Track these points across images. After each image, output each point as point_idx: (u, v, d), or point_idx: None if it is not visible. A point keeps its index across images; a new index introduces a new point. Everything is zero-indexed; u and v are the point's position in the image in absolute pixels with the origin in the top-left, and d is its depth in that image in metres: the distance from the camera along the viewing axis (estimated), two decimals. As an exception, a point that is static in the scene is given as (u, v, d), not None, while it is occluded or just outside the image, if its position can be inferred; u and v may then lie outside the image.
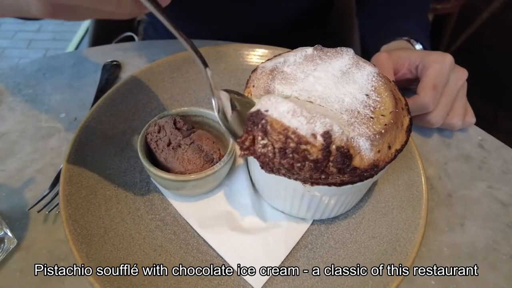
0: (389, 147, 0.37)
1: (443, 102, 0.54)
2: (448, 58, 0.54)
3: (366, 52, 1.07)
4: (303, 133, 0.35)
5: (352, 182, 0.38)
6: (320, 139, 0.35)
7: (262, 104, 0.37)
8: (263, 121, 0.36)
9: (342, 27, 1.10)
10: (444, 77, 0.53)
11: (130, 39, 0.96)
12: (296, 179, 0.38)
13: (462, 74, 0.56)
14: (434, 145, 0.59)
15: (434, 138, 0.60)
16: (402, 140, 0.38)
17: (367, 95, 0.37)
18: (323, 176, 0.37)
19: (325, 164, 0.35)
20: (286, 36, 0.89)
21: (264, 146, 0.36)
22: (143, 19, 1.05)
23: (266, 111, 0.36)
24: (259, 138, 0.36)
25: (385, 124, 0.36)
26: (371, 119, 0.36)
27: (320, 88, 0.37)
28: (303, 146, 0.35)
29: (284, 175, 0.38)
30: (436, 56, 0.55)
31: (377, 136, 0.36)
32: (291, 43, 0.68)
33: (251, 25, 0.82)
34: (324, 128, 0.35)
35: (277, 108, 0.36)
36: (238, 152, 0.45)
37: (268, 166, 0.37)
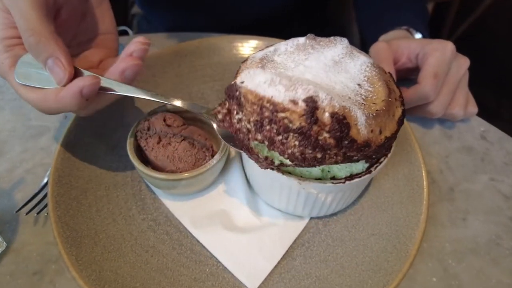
0: (380, 132, 0.35)
1: (444, 92, 0.53)
2: (449, 46, 0.52)
3: (365, 42, 1.05)
4: (279, 100, 0.32)
5: (349, 159, 0.35)
6: (302, 104, 0.32)
7: (240, 76, 0.35)
8: (237, 93, 0.34)
9: (340, 17, 1.08)
10: (445, 66, 0.52)
11: (124, 33, 0.95)
12: (295, 165, 0.35)
13: (463, 63, 0.54)
14: (435, 137, 0.58)
15: (435, 130, 0.58)
16: (392, 129, 0.36)
17: (359, 84, 0.35)
18: (318, 155, 0.33)
19: (317, 133, 0.32)
20: (283, 26, 0.87)
21: (239, 121, 0.34)
22: (137, 12, 1.02)
23: (242, 82, 0.34)
24: (234, 112, 0.34)
25: (377, 110, 0.34)
26: (363, 104, 0.34)
27: (310, 77, 0.35)
28: (281, 114, 0.32)
29: (277, 168, 0.36)
30: (436, 44, 0.53)
31: (370, 115, 0.34)
32: (288, 34, 0.65)
33: (246, 15, 0.80)
34: (306, 94, 0.32)
35: (254, 78, 0.34)
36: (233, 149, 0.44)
37: (246, 146, 0.35)
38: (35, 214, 0.46)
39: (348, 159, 0.35)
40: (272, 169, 0.38)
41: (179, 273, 0.41)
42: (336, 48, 0.38)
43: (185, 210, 0.46)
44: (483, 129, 0.59)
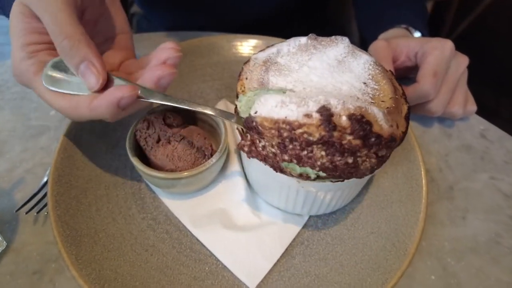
0: (397, 127, 0.36)
1: (443, 90, 0.52)
2: (449, 44, 0.52)
3: (365, 42, 1.05)
4: (294, 118, 0.33)
5: (382, 159, 0.35)
6: (316, 115, 0.32)
7: (254, 107, 0.36)
8: (254, 123, 0.35)
9: (340, 16, 1.08)
10: (444, 64, 0.52)
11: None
12: (331, 175, 0.35)
13: (462, 61, 0.54)
14: (435, 135, 0.58)
15: (434, 129, 0.59)
16: (402, 126, 0.36)
17: (364, 83, 0.35)
18: (349, 160, 0.33)
19: (339, 138, 0.32)
20: (283, 26, 0.87)
21: (264, 147, 0.35)
22: (137, 12, 1.02)
23: (255, 112, 0.35)
24: (257, 141, 0.35)
25: (387, 107, 0.35)
26: (372, 103, 0.34)
27: (315, 78, 0.36)
28: (299, 131, 0.33)
29: (321, 177, 0.36)
30: (436, 43, 0.53)
31: (385, 111, 0.34)
32: (288, 33, 0.65)
33: (246, 15, 0.80)
34: (318, 105, 0.32)
35: (265, 105, 0.34)
36: (233, 146, 0.44)
37: (278, 167, 0.36)
38: (35, 214, 0.46)
39: (381, 160, 0.35)
40: (311, 179, 0.37)
41: (179, 272, 0.41)
42: (338, 48, 0.39)
43: (184, 209, 0.46)
44: (483, 127, 0.59)
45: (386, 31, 0.65)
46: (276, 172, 0.36)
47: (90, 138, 0.51)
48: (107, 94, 0.34)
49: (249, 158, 0.36)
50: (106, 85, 0.36)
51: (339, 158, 0.33)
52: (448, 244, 0.46)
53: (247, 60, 0.43)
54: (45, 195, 0.47)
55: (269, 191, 0.45)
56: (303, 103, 0.33)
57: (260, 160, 0.36)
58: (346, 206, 0.47)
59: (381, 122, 0.33)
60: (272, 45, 0.43)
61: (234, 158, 0.50)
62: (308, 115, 0.33)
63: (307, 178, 0.36)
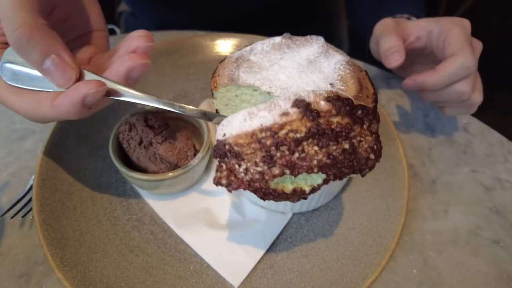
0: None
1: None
2: (467, 22, 0.48)
3: (354, 36, 1.05)
4: (271, 122, 0.31)
5: (377, 136, 0.33)
6: (293, 110, 0.30)
7: (217, 133, 0.33)
8: (227, 147, 0.31)
9: (329, 11, 1.07)
10: (469, 39, 0.46)
11: (112, 32, 0.94)
12: (331, 174, 0.31)
13: (478, 45, 0.49)
14: (419, 130, 0.58)
15: (419, 124, 0.59)
16: None
17: (331, 84, 0.35)
18: (346, 145, 0.30)
19: (327, 123, 0.30)
20: (270, 20, 0.87)
21: (246, 171, 0.31)
22: (124, 10, 1.02)
23: (224, 135, 0.32)
24: (236, 166, 0.31)
25: None
26: None
27: (283, 77, 0.35)
28: (282, 132, 0.30)
29: (316, 189, 0.32)
30: (454, 19, 0.48)
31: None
32: (275, 28, 0.65)
33: (233, 10, 0.79)
34: (290, 100, 0.31)
35: (232, 124, 0.32)
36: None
37: (267, 191, 0.31)
38: (20, 218, 0.46)
39: (377, 137, 0.33)
40: (305, 198, 0.34)
41: (164, 272, 0.42)
42: (312, 47, 0.39)
43: (169, 209, 0.46)
44: (466, 121, 0.59)
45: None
46: (265, 200, 0.32)
47: (74, 141, 0.51)
48: (71, 91, 0.30)
49: (231, 191, 0.32)
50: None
51: (334, 147, 0.30)
52: (429, 238, 0.47)
53: (223, 59, 0.43)
54: (30, 199, 0.48)
55: (252, 190, 0.46)
56: (273, 105, 0.32)
57: (245, 189, 0.31)
58: (329, 203, 0.48)
59: (345, 94, 0.33)
60: (250, 44, 0.43)
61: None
62: (285, 113, 0.31)
63: (302, 194, 0.33)
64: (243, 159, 0.31)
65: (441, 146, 0.57)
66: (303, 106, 0.31)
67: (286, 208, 0.46)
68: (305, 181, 0.33)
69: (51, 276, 0.43)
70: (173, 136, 0.45)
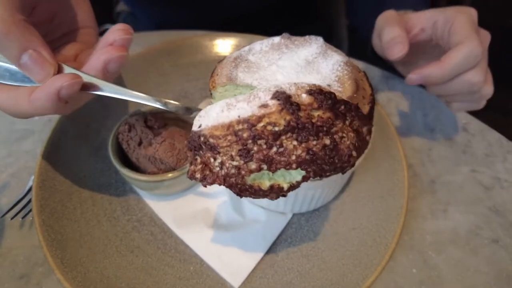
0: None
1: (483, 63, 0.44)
2: (474, 11, 0.46)
3: (354, 38, 1.05)
4: (249, 114, 0.29)
5: (359, 134, 0.32)
6: (273, 102, 0.29)
7: (194, 124, 0.31)
8: (202, 139, 0.30)
9: (329, 11, 1.07)
10: (476, 27, 0.45)
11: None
12: (311, 172, 0.30)
13: (486, 35, 0.47)
14: (419, 130, 0.58)
15: (418, 124, 0.59)
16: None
17: (328, 85, 0.35)
18: (327, 141, 0.29)
19: (308, 117, 0.29)
20: (270, 20, 0.87)
21: (222, 165, 0.29)
22: (123, 10, 1.01)
23: (200, 126, 0.30)
24: (211, 160, 0.29)
25: None
26: None
27: (280, 78, 0.35)
28: (260, 125, 0.28)
29: (294, 186, 0.31)
30: (459, 8, 0.46)
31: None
32: (275, 28, 0.64)
33: (232, 9, 0.79)
34: (270, 92, 0.29)
35: (209, 114, 0.30)
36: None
37: (243, 187, 0.29)
38: (20, 219, 0.46)
39: (358, 134, 0.32)
40: (284, 195, 0.32)
41: (164, 272, 0.42)
42: (311, 48, 0.39)
43: (168, 210, 0.46)
44: (465, 121, 0.59)
45: None
46: (241, 197, 0.31)
47: (74, 142, 0.51)
48: (46, 84, 0.30)
49: (206, 186, 0.30)
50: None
51: (314, 143, 0.29)
52: (429, 237, 0.47)
53: (222, 59, 0.43)
54: (30, 200, 0.47)
55: (252, 190, 0.46)
56: (253, 97, 0.30)
57: (220, 184, 0.29)
58: (329, 202, 0.48)
59: (341, 95, 0.33)
60: (249, 44, 0.43)
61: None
62: (264, 105, 0.29)
63: (280, 191, 0.31)
64: (219, 152, 0.29)
65: (441, 146, 0.57)
66: (283, 99, 0.29)
67: (286, 209, 0.46)
68: (284, 178, 0.31)
69: (51, 277, 0.43)
70: (173, 136, 0.45)
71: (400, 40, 0.46)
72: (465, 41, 0.43)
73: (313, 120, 0.29)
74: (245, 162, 0.29)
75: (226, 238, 0.44)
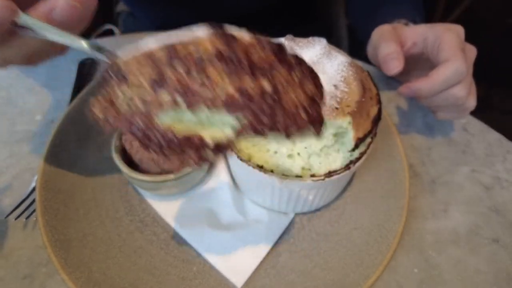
0: (357, 129, 0.35)
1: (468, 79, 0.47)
2: (460, 28, 0.50)
3: (354, 36, 1.05)
4: (176, 43, 0.23)
5: (313, 101, 0.26)
6: (207, 31, 0.23)
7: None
8: (115, 67, 0.24)
9: (329, 11, 1.07)
10: (463, 45, 0.48)
11: (110, 32, 0.94)
12: (251, 125, 0.24)
13: (472, 50, 0.51)
14: (419, 130, 0.59)
15: (418, 124, 0.59)
16: (366, 129, 0.36)
17: (335, 85, 0.35)
18: (266, 85, 0.23)
19: (245, 52, 0.23)
20: (270, 20, 0.87)
21: (130, 100, 0.23)
22: (123, 10, 1.02)
23: (117, 58, 0.25)
24: (119, 93, 0.24)
25: (348, 112, 0.34)
26: (336, 109, 0.35)
27: None
28: (184, 51, 0.22)
29: (222, 148, 0.24)
30: (448, 25, 0.50)
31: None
32: (275, 28, 0.65)
33: (232, 9, 0.79)
34: (205, 25, 0.24)
35: (133, 48, 0.25)
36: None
37: (148, 136, 0.23)
38: (24, 219, 0.46)
39: (314, 102, 0.26)
40: (208, 160, 0.25)
41: (167, 273, 0.42)
42: (315, 49, 0.39)
43: (171, 210, 0.47)
44: (465, 121, 0.60)
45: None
46: (149, 151, 0.24)
47: (76, 142, 0.51)
48: None
49: (108, 131, 0.24)
50: None
51: (250, 83, 0.22)
52: (430, 237, 0.48)
53: None
54: (33, 201, 0.48)
55: (254, 190, 0.46)
56: (187, 32, 0.24)
57: (125, 128, 0.24)
58: (330, 202, 0.48)
59: (347, 96, 0.33)
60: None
61: (220, 158, 0.51)
62: (195, 36, 0.24)
63: (201, 144, 0.24)
64: (128, 84, 0.24)
65: (441, 146, 0.57)
66: (218, 28, 0.24)
67: (288, 209, 0.46)
68: (207, 128, 0.24)
69: (55, 277, 0.43)
70: (176, 137, 0.46)
71: (395, 56, 0.50)
72: (452, 59, 0.46)
73: (251, 57, 0.23)
74: (156, 91, 0.23)
75: (228, 238, 0.44)
